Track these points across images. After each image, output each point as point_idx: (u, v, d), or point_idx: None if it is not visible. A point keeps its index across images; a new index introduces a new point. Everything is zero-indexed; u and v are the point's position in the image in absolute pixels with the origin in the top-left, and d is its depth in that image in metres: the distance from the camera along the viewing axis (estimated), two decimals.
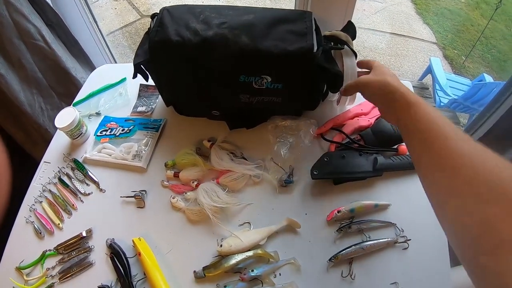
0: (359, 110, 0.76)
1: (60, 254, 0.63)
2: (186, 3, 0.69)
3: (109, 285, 0.59)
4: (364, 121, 0.73)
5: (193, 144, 0.74)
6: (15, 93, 0.95)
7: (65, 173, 0.73)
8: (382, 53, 2.66)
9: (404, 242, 0.60)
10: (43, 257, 0.63)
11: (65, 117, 0.73)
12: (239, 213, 0.65)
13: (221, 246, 0.59)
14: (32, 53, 0.97)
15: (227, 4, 0.68)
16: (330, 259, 0.58)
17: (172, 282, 0.58)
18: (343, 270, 0.58)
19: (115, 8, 2.98)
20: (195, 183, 0.68)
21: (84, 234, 0.64)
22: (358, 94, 0.63)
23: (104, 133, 0.77)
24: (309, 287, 0.58)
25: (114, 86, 0.87)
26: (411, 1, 3.15)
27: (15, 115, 1.01)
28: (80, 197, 0.70)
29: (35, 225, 0.67)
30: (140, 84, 0.86)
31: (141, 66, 0.67)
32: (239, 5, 0.69)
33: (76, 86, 1.06)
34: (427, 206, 0.60)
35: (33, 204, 0.70)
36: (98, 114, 0.83)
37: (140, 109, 0.82)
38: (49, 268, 0.62)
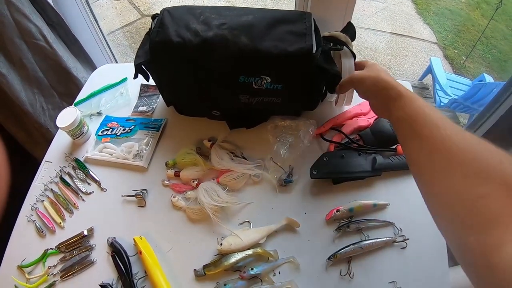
0: (358, 110, 0.76)
1: (62, 253, 0.64)
2: (187, 4, 0.69)
3: (110, 283, 0.60)
4: (363, 121, 0.74)
5: (194, 143, 0.74)
6: (16, 93, 0.96)
7: (66, 172, 0.74)
8: (383, 53, 2.66)
9: (403, 241, 0.61)
10: (45, 255, 0.63)
11: (66, 116, 0.73)
12: (239, 212, 0.66)
13: (221, 244, 0.60)
14: (33, 53, 0.97)
15: (226, 5, 0.68)
16: (329, 258, 0.59)
17: (172, 281, 0.59)
18: (342, 269, 0.59)
19: (116, 8, 2.98)
20: (196, 182, 0.68)
21: (85, 232, 0.65)
22: (356, 96, 0.64)
23: (105, 132, 0.77)
24: (308, 285, 0.58)
25: (115, 86, 0.88)
26: (411, 1, 3.15)
27: (16, 115, 1.01)
28: (81, 196, 0.71)
29: (37, 224, 0.67)
30: (141, 84, 0.86)
31: (142, 66, 0.67)
32: (239, 5, 0.69)
33: (77, 86, 1.07)
34: (425, 205, 0.61)
35: (35, 203, 0.70)
36: (99, 113, 0.83)
37: (141, 109, 0.82)
38: (50, 267, 0.62)
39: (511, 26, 2.81)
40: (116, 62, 1.35)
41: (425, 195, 0.43)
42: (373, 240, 0.60)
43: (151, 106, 0.82)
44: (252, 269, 0.57)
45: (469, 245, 0.33)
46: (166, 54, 0.64)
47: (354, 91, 0.66)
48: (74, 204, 0.69)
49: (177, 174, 0.70)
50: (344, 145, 0.70)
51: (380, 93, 0.52)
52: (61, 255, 0.64)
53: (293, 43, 0.61)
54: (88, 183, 0.72)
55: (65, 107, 0.75)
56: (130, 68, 0.68)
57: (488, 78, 2.15)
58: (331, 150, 0.71)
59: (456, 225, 0.36)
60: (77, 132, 0.75)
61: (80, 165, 0.74)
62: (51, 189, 0.72)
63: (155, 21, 0.66)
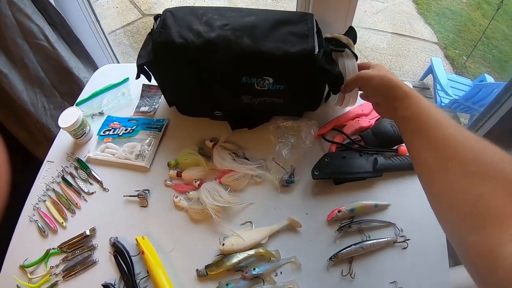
0: (359, 111, 0.76)
1: (64, 253, 0.64)
2: (189, 5, 0.69)
3: (113, 283, 0.60)
4: (364, 122, 0.74)
5: (196, 144, 0.75)
6: (18, 93, 0.96)
7: (68, 172, 0.74)
8: (383, 53, 2.66)
9: (404, 241, 0.61)
10: (47, 255, 0.64)
11: (68, 116, 0.73)
12: (241, 213, 0.66)
13: (223, 245, 0.60)
14: (35, 53, 0.97)
15: (229, 6, 0.68)
16: (330, 258, 0.59)
17: (175, 280, 0.59)
18: (343, 269, 0.59)
19: (117, 7, 2.98)
20: (198, 182, 0.68)
21: (87, 232, 0.65)
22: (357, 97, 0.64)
23: (107, 132, 0.78)
24: (310, 285, 0.58)
25: (117, 86, 0.88)
26: (412, 1, 3.15)
27: (18, 115, 1.01)
28: (83, 196, 0.71)
29: (39, 224, 0.67)
30: (143, 84, 0.86)
31: (144, 66, 0.67)
32: (241, 6, 0.69)
33: (78, 86, 1.07)
34: (426, 206, 0.61)
35: (37, 203, 0.70)
36: (101, 114, 0.83)
37: (143, 109, 0.82)
38: (53, 267, 0.63)
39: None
40: (118, 62, 1.35)
41: (428, 194, 0.43)
42: (374, 241, 0.60)
43: (153, 106, 0.82)
44: (254, 269, 0.57)
45: (470, 244, 0.34)
46: (168, 54, 0.64)
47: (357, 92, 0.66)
48: (76, 204, 0.70)
49: (179, 175, 0.70)
50: (346, 145, 0.70)
51: (387, 92, 0.53)
52: (63, 255, 0.64)
53: (295, 44, 0.61)
54: (90, 183, 0.73)
55: (66, 107, 0.76)
56: (132, 68, 0.68)
57: (489, 79, 2.15)
58: (332, 151, 0.71)
59: (457, 224, 0.37)
60: (79, 132, 0.75)
61: (82, 165, 0.74)
62: (53, 189, 0.72)
63: (158, 21, 0.67)
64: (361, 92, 0.65)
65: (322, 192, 0.67)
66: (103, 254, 0.64)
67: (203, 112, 0.78)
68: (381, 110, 0.60)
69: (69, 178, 0.73)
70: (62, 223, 0.67)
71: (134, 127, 0.77)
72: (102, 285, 0.60)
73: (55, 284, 0.61)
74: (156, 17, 0.68)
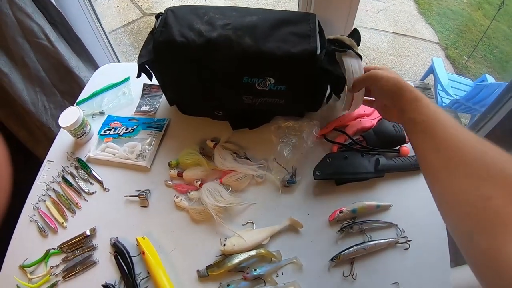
0: (361, 111, 0.76)
1: (64, 253, 0.64)
2: (190, 4, 0.69)
3: (113, 284, 0.60)
4: (366, 122, 0.74)
5: (197, 144, 0.74)
6: (18, 92, 0.96)
7: (68, 172, 0.74)
8: (384, 52, 2.66)
9: (405, 242, 0.61)
10: (47, 255, 0.63)
11: (69, 116, 0.73)
12: (242, 213, 0.66)
13: (224, 245, 0.60)
14: (35, 52, 0.97)
15: (230, 5, 0.68)
16: (332, 259, 0.59)
17: (175, 281, 0.59)
18: (345, 270, 0.59)
19: (117, 6, 2.98)
20: (199, 182, 0.68)
21: (88, 232, 0.65)
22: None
23: (107, 132, 0.77)
24: (311, 286, 0.58)
25: (118, 85, 0.88)
26: (413, 1, 3.14)
27: (18, 114, 1.01)
28: (84, 196, 0.71)
29: (39, 224, 0.67)
30: (144, 84, 0.86)
31: (145, 65, 0.67)
32: (243, 6, 0.69)
33: (79, 85, 1.07)
34: (428, 207, 0.61)
35: (37, 203, 0.70)
36: (101, 113, 0.83)
37: (143, 108, 0.82)
38: (53, 267, 0.62)
39: None
40: (118, 61, 1.35)
41: (434, 195, 0.44)
42: (376, 242, 0.60)
43: (154, 106, 0.82)
44: (255, 269, 0.57)
45: (476, 246, 0.34)
46: (169, 53, 0.63)
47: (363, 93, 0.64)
48: (77, 204, 0.69)
49: (180, 175, 0.70)
50: (347, 146, 0.70)
51: (396, 94, 0.52)
52: (63, 255, 0.64)
53: (297, 45, 0.60)
54: (91, 183, 0.72)
55: (67, 106, 0.76)
56: (133, 67, 0.68)
57: (490, 79, 2.14)
58: (334, 151, 0.70)
59: (463, 225, 0.37)
60: (80, 132, 0.75)
61: (82, 165, 0.74)
62: (53, 189, 0.72)
63: (159, 20, 0.66)
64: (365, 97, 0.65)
65: (324, 193, 0.67)
66: (103, 254, 0.63)
67: (204, 111, 0.77)
68: (386, 113, 0.60)
69: (69, 177, 0.73)
70: (62, 223, 0.67)
71: (135, 126, 0.77)
72: (103, 286, 0.59)
73: (55, 284, 0.61)
74: (158, 16, 0.68)
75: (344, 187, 0.67)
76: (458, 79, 2.30)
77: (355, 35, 0.66)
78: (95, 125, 0.80)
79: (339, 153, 0.69)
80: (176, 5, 0.68)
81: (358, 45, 0.66)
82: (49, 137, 1.03)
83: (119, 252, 0.62)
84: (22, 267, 0.62)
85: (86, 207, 0.69)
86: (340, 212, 0.63)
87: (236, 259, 0.58)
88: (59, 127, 0.74)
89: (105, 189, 0.71)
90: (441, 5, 3.09)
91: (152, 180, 0.71)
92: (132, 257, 0.61)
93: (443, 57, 2.64)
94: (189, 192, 0.67)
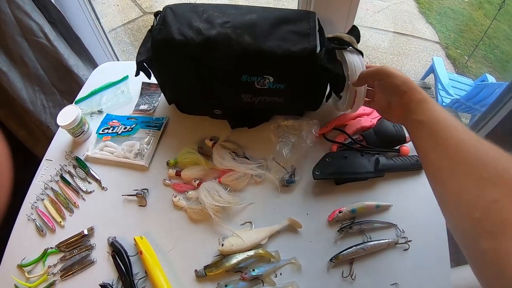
0: (361, 110, 0.75)
1: (62, 252, 0.64)
2: (189, 2, 0.69)
3: (111, 283, 0.59)
4: (366, 122, 0.73)
5: (195, 143, 0.74)
6: (17, 91, 0.96)
7: (67, 171, 0.73)
8: (385, 52, 2.65)
9: (405, 243, 0.60)
10: (45, 254, 0.63)
11: (67, 115, 0.73)
12: (241, 213, 0.65)
13: (222, 245, 0.59)
14: (34, 51, 0.97)
15: (230, 3, 0.68)
16: (331, 260, 0.58)
17: (173, 281, 0.58)
18: (344, 271, 0.58)
19: (117, 5, 2.98)
20: (197, 182, 0.68)
21: (85, 232, 0.65)
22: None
23: (106, 131, 0.77)
24: (310, 287, 0.58)
25: (116, 84, 0.88)
26: (414, 0, 3.13)
27: (17, 113, 1.01)
28: (81, 195, 0.70)
29: (37, 223, 0.67)
30: (142, 82, 0.85)
31: (144, 64, 0.67)
32: (242, 4, 0.68)
33: (78, 84, 1.06)
34: (428, 207, 0.61)
35: (35, 202, 0.70)
36: (100, 112, 0.83)
37: (142, 107, 0.82)
38: (50, 266, 0.62)
39: None
40: (118, 60, 1.34)
41: (439, 199, 0.43)
42: (376, 242, 0.60)
43: (152, 105, 0.82)
44: (253, 270, 0.57)
45: (481, 249, 0.34)
46: (168, 52, 0.63)
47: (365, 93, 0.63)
48: (75, 203, 0.69)
49: (178, 174, 0.69)
50: (347, 145, 0.70)
51: (406, 94, 0.51)
52: (61, 255, 0.63)
53: (297, 43, 0.60)
54: (89, 182, 0.72)
55: (66, 105, 0.75)
56: (132, 66, 0.68)
57: (490, 79, 2.14)
58: (334, 151, 0.70)
59: (468, 228, 0.36)
60: (78, 131, 0.75)
61: (80, 164, 0.74)
62: (52, 188, 0.71)
63: (158, 18, 0.66)
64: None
65: (323, 192, 0.67)
66: (101, 254, 0.63)
67: (203, 110, 0.77)
68: (386, 113, 0.59)
69: (67, 176, 0.73)
70: (60, 222, 0.67)
71: (133, 125, 0.77)
72: (100, 285, 0.59)
73: (52, 283, 0.60)
74: (156, 14, 0.68)
75: (344, 187, 0.67)
76: (458, 78, 2.29)
77: (354, 32, 0.66)
78: (94, 124, 0.80)
79: (339, 152, 0.69)
80: (175, 3, 0.68)
81: (358, 42, 0.66)
82: (48, 136, 1.03)
83: (116, 252, 0.61)
84: (20, 266, 0.62)
85: (84, 206, 0.69)
86: (340, 212, 0.62)
87: (234, 259, 0.58)
88: (58, 126, 0.74)
89: (103, 188, 0.71)
90: (442, 5, 3.08)
91: (150, 179, 0.71)
92: (129, 257, 0.61)
93: (443, 57, 2.63)
94: (187, 192, 0.67)
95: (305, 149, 0.69)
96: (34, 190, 0.71)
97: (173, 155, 0.72)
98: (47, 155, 0.77)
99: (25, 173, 0.71)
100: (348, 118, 0.74)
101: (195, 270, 0.59)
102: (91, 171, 0.73)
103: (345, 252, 0.59)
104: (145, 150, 0.73)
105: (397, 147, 0.70)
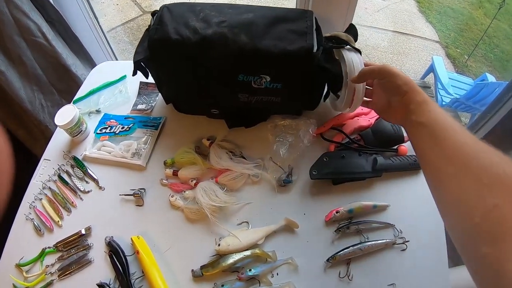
0: (359, 109, 0.75)
1: (60, 252, 0.64)
2: (187, 1, 0.69)
3: (108, 283, 0.59)
4: (364, 121, 0.73)
5: (193, 142, 0.74)
6: (15, 90, 0.96)
7: (64, 170, 0.73)
8: (384, 51, 2.65)
9: (403, 243, 0.60)
10: (43, 254, 0.63)
11: (65, 114, 0.72)
12: (238, 213, 0.65)
13: (219, 245, 0.59)
14: (32, 50, 0.97)
15: (227, 3, 0.67)
16: (327, 260, 0.58)
17: (170, 281, 0.58)
18: (341, 271, 0.58)
19: (117, 4, 2.97)
20: (194, 181, 0.68)
21: (83, 231, 0.65)
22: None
23: (103, 130, 0.77)
24: (306, 287, 0.58)
25: (114, 83, 0.88)
26: None
27: (16, 112, 1.01)
28: (79, 195, 0.70)
29: (35, 222, 0.67)
30: (140, 82, 0.85)
31: (141, 63, 0.67)
32: (240, 3, 0.68)
33: (76, 83, 1.06)
34: (426, 207, 0.60)
35: (33, 202, 0.70)
36: (98, 111, 0.83)
37: (140, 107, 0.82)
38: (48, 265, 0.62)
39: None
40: (116, 59, 1.34)
41: (438, 201, 0.43)
42: (373, 242, 0.60)
43: (150, 104, 0.82)
44: (250, 270, 0.57)
45: (480, 255, 0.33)
46: (165, 51, 0.63)
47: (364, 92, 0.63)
48: (72, 202, 0.69)
49: (175, 173, 0.69)
50: (345, 145, 0.69)
51: (408, 94, 0.51)
52: (59, 254, 0.63)
53: (294, 42, 0.60)
54: (86, 182, 0.72)
55: (64, 104, 0.75)
56: (130, 65, 0.68)
57: (490, 78, 2.13)
58: (331, 150, 0.70)
59: (468, 233, 0.36)
60: (76, 130, 0.75)
61: (78, 163, 0.74)
62: (49, 188, 0.72)
63: (155, 18, 0.66)
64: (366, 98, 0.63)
65: (320, 192, 0.67)
66: (98, 254, 0.63)
67: (200, 110, 0.77)
68: (385, 113, 0.58)
69: (65, 176, 0.73)
70: (58, 221, 0.67)
71: (131, 125, 0.77)
72: (97, 285, 0.59)
73: (50, 283, 0.61)
74: (154, 13, 0.68)
75: (341, 187, 0.67)
76: (458, 78, 2.29)
77: (352, 30, 0.66)
78: (92, 124, 0.80)
79: (336, 152, 0.69)
80: (173, 3, 0.68)
81: (356, 40, 0.65)
82: (47, 136, 1.03)
83: (114, 251, 0.61)
84: (18, 266, 0.62)
85: (81, 206, 0.69)
86: (337, 212, 0.62)
87: (231, 259, 0.58)
88: (56, 126, 0.74)
89: (100, 187, 0.71)
90: (442, 4, 3.07)
91: (148, 179, 0.71)
92: (126, 256, 0.61)
93: (443, 56, 2.63)
94: (184, 191, 0.67)
95: (302, 148, 0.68)
96: (32, 189, 0.72)
97: (170, 155, 0.72)
98: (45, 155, 0.77)
99: (25, 173, 0.71)
100: (346, 118, 0.74)
101: (192, 270, 0.59)
102: (89, 171, 0.73)
103: (342, 252, 0.58)
104: (143, 150, 0.73)
105: (395, 147, 0.70)
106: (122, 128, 0.76)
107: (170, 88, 0.73)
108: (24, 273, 0.61)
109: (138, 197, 0.67)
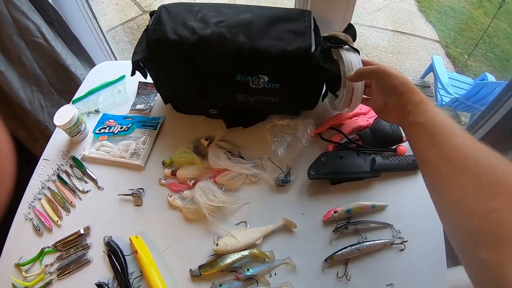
0: (358, 109, 0.75)
1: (59, 251, 0.64)
2: (185, 1, 0.69)
3: (106, 283, 0.59)
4: (362, 121, 0.73)
5: (191, 142, 0.74)
6: (15, 90, 0.96)
7: (63, 170, 0.74)
8: (384, 50, 2.64)
9: (401, 243, 0.60)
10: (42, 254, 0.63)
11: (64, 114, 0.73)
12: (236, 212, 0.65)
13: (217, 245, 0.59)
14: (31, 50, 0.97)
15: (226, 3, 0.67)
16: (325, 260, 0.58)
17: (168, 280, 0.58)
18: (339, 271, 0.58)
19: (117, 4, 2.97)
20: (192, 181, 0.68)
21: (82, 231, 0.65)
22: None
23: (102, 130, 0.77)
24: (304, 287, 0.58)
25: (113, 83, 0.88)
26: None
27: (16, 112, 1.01)
28: (78, 195, 0.70)
29: (34, 222, 0.67)
30: (139, 82, 0.86)
31: (140, 63, 0.67)
32: (239, 3, 0.68)
33: (75, 83, 1.06)
34: (425, 207, 0.60)
35: (32, 201, 0.70)
36: (97, 111, 0.83)
37: (138, 106, 0.82)
38: (47, 265, 0.62)
39: None
40: (116, 59, 1.34)
41: (436, 203, 0.43)
42: (371, 242, 0.60)
43: (148, 104, 0.82)
44: (248, 270, 0.57)
45: (479, 259, 0.33)
46: (163, 51, 0.63)
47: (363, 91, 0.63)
48: (71, 202, 0.69)
49: (173, 173, 0.69)
50: (343, 145, 0.69)
51: (404, 95, 0.51)
52: (58, 254, 0.64)
53: (292, 42, 0.60)
54: (85, 182, 0.72)
55: (63, 104, 0.75)
56: (129, 65, 0.68)
57: (490, 77, 2.13)
58: (329, 150, 0.70)
59: (466, 236, 0.36)
60: (75, 130, 0.75)
61: (77, 163, 0.74)
62: (49, 187, 0.72)
63: (153, 18, 0.66)
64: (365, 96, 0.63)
65: (318, 192, 0.67)
66: (97, 253, 0.63)
67: (198, 110, 0.77)
68: (383, 113, 0.58)
69: (64, 176, 0.73)
70: (57, 221, 0.67)
71: (130, 125, 0.77)
72: (96, 284, 0.59)
73: (49, 283, 0.61)
74: (152, 13, 0.68)
75: (339, 187, 0.67)
76: (458, 77, 2.28)
77: (350, 30, 0.66)
78: (90, 124, 0.80)
79: (335, 152, 0.69)
80: (171, 3, 0.68)
81: (354, 40, 0.65)
82: (46, 136, 1.03)
83: (112, 251, 0.61)
84: (18, 266, 0.62)
85: (80, 206, 0.69)
86: (335, 212, 0.62)
87: (229, 259, 0.58)
88: (56, 126, 0.74)
89: (99, 187, 0.71)
90: (442, 3, 3.06)
91: (146, 178, 0.71)
92: (125, 256, 0.61)
93: (443, 55, 2.62)
94: (183, 191, 0.67)
95: (301, 148, 0.68)
96: (31, 189, 0.72)
97: (169, 155, 0.72)
98: (45, 155, 0.77)
99: (24, 173, 0.72)
100: (345, 118, 0.74)
101: (190, 270, 0.59)
102: (88, 171, 0.73)
103: (340, 252, 0.58)
104: (141, 150, 0.73)
105: (393, 147, 0.70)
106: (121, 128, 0.77)
107: (169, 88, 0.73)
108: (23, 273, 0.62)
109: (136, 197, 0.67)
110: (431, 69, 2.29)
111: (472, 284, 0.35)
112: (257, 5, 0.68)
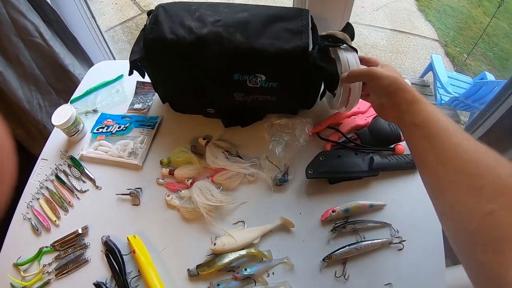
0: (356, 108, 0.75)
1: (57, 251, 0.64)
2: (183, 0, 0.69)
3: (104, 282, 0.59)
4: (361, 120, 0.73)
5: (189, 142, 0.74)
6: (13, 90, 0.96)
7: (62, 170, 0.74)
8: (383, 50, 2.65)
9: (399, 243, 0.60)
10: (40, 253, 0.63)
11: (62, 114, 0.73)
12: (233, 212, 0.65)
13: (214, 244, 0.59)
14: (30, 50, 0.97)
15: (223, 2, 0.67)
16: (323, 259, 0.58)
17: (166, 280, 0.58)
18: (337, 271, 0.58)
19: (116, 3, 2.97)
20: (190, 181, 0.68)
21: (80, 231, 0.65)
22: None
23: (100, 130, 0.77)
24: (302, 286, 0.58)
25: (111, 83, 0.88)
26: None
27: (14, 112, 1.01)
28: (76, 194, 0.70)
29: (32, 222, 0.67)
30: (137, 81, 0.85)
31: (137, 63, 0.67)
32: (236, 2, 0.68)
33: (74, 83, 1.06)
34: (423, 207, 0.60)
35: (31, 201, 0.70)
36: (95, 111, 0.83)
37: (136, 106, 0.82)
38: (45, 265, 0.62)
39: None
40: (114, 59, 1.34)
41: (435, 205, 0.43)
42: (369, 242, 0.59)
43: (146, 104, 0.82)
44: (245, 269, 0.57)
45: (478, 262, 0.33)
46: (160, 51, 0.63)
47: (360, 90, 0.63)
48: (69, 202, 0.69)
49: (171, 173, 0.69)
50: (341, 144, 0.69)
51: (395, 95, 0.51)
52: (56, 253, 0.64)
53: (289, 41, 0.60)
54: (83, 181, 0.72)
55: (62, 104, 0.75)
56: (127, 64, 0.68)
57: (490, 76, 2.13)
58: (327, 149, 0.70)
59: (465, 239, 0.36)
60: (73, 130, 0.75)
61: (75, 163, 0.74)
62: (47, 187, 0.72)
63: (150, 17, 0.66)
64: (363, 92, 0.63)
65: (316, 192, 0.67)
66: (95, 253, 0.63)
67: (196, 109, 0.77)
68: (382, 112, 0.58)
69: (62, 176, 0.73)
70: (55, 221, 0.67)
71: (128, 124, 0.77)
72: (94, 284, 0.59)
73: (47, 282, 0.61)
74: (149, 13, 0.68)
75: (337, 186, 0.67)
76: (457, 76, 2.29)
77: (348, 29, 0.65)
78: (89, 123, 0.80)
79: (333, 151, 0.68)
80: (169, 2, 0.68)
81: (352, 39, 0.65)
82: (45, 135, 1.03)
83: (110, 251, 0.61)
84: (16, 265, 0.62)
85: (78, 205, 0.69)
86: (333, 212, 0.62)
87: (227, 259, 0.58)
88: (54, 125, 0.74)
89: (97, 187, 0.71)
90: (441, 2, 3.06)
91: (144, 178, 0.71)
92: (123, 256, 0.61)
93: (442, 55, 2.63)
94: (180, 191, 0.67)
95: (299, 147, 0.68)
96: (29, 189, 0.72)
97: (166, 154, 0.72)
98: (43, 155, 0.77)
99: (23, 172, 0.72)
100: (343, 117, 0.74)
101: (188, 269, 0.59)
102: (86, 170, 0.73)
103: (338, 251, 0.58)
104: (139, 149, 0.73)
105: (392, 146, 0.69)
106: (118, 128, 0.77)
107: (166, 87, 0.73)
108: (22, 273, 0.62)
109: (134, 196, 0.67)
110: (430, 68, 2.29)
111: (472, 284, 0.35)
112: (254, 4, 0.68)
